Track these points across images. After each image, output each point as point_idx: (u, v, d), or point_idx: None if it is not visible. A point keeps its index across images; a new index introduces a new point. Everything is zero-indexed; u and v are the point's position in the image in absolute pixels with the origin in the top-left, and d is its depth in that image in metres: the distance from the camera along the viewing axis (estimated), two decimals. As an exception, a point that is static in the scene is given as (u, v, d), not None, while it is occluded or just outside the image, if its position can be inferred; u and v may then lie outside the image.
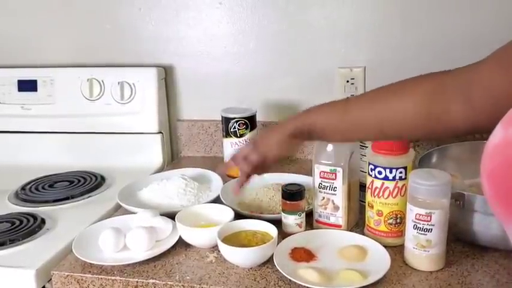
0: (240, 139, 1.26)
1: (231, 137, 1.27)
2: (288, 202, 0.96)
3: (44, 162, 1.44)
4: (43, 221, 1.10)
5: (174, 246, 0.96)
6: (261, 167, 0.94)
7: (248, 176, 0.96)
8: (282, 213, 0.97)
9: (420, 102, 0.73)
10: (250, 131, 1.26)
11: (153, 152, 1.44)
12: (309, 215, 1.02)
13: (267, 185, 1.14)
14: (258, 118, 1.31)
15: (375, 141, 0.92)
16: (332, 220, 0.99)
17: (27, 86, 1.48)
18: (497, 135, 0.45)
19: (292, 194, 0.96)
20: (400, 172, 0.90)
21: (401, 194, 0.91)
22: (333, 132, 0.84)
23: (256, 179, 1.19)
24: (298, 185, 0.98)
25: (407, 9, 1.29)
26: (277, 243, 0.91)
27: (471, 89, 0.69)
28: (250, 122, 1.26)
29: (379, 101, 0.79)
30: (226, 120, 1.26)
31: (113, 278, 0.89)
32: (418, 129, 0.76)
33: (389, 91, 0.78)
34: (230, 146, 1.27)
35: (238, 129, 1.25)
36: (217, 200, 1.10)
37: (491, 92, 0.66)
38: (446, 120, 0.72)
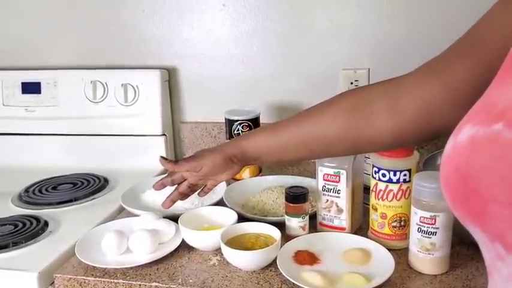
0: None
1: None
2: (291, 205, 0.96)
3: (48, 165, 1.44)
4: (46, 224, 1.10)
5: (177, 249, 0.96)
6: (197, 186, 1.00)
7: (181, 194, 1.00)
8: (286, 216, 0.97)
9: (339, 119, 0.78)
10: None
11: (157, 154, 1.41)
12: (313, 217, 1.01)
13: (270, 188, 1.14)
14: (262, 120, 1.31)
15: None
16: (336, 223, 0.98)
17: (31, 88, 1.48)
18: (449, 144, 0.48)
19: (296, 197, 0.96)
20: (404, 175, 0.90)
21: (406, 197, 0.90)
22: (266, 155, 0.89)
23: (259, 181, 1.19)
24: (302, 187, 0.98)
25: (412, 10, 1.28)
26: (281, 246, 0.90)
27: (399, 100, 0.72)
28: (253, 124, 1.26)
29: (303, 121, 0.83)
30: (229, 123, 1.26)
31: (116, 281, 0.89)
32: (342, 144, 0.80)
33: (314, 111, 0.82)
34: None
35: (242, 131, 1.24)
36: (220, 203, 1.10)
37: (421, 99, 0.70)
38: (372, 135, 0.76)
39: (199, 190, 1.02)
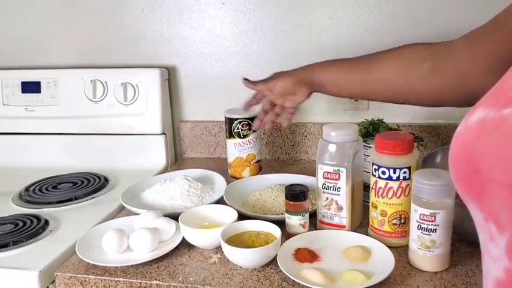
0: (244, 140, 1.25)
1: (234, 137, 1.26)
2: (291, 203, 0.96)
3: (48, 164, 1.44)
4: (47, 223, 1.10)
5: (177, 247, 0.96)
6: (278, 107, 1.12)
7: (265, 111, 1.14)
8: (286, 213, 0.97)
9: (397, 69, 0.90)
10: (253, 131, 1.25)
11: (157, 153, 1.44)
12: (313, 215, 1.01)
13: (270, 186, 1.14)
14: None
15: (379, 134, 0.96)
16: (336, 220, 0.98)
17: (31, 87, 1.48)
18: (461, 124, 0.51)
19: (296, 195, 0.96)
20: (404, 172, 0.90)
21: (405, 194, 0.90)
22: (329, 85, 1.00)
23: (259, 179, 1.19)
24: (302, 185, 0.98)
25: (412, 8, 1.29)
26: (281, 244, 0.91)
27: (441, 62, 0.83)
28: (253, 122, 1.25)
29: (367, 67, 0.95)
30: (229, 121, 1.26)
31: (116, 279, 0.89)
32: (394, 91, 0.92)
33: (377, 58, 0.94)
34: (233, 147, 1.26)
35: (242, 129, 1.24)
36: (220, 201, 1.10)
37: (457, 67, 0.80)
38: (418, 88, 0.87)
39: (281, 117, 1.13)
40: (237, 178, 1.26)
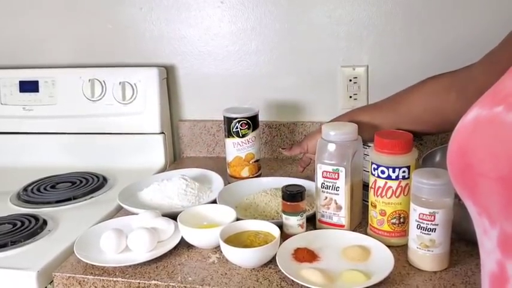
0: (243, 139, 1.24)
1: (233, 137, 1.25)
2: (288, 203, 0.95)
3: (46, 163, 1.44)
4: (45, 222, 1.09)
5: (176, 247, 0.96)
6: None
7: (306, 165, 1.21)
8: (283, 214, 0.96)
9: (425, 101, 0.94)
10: (252, 130, 1.25)
11: (155, 152, 1.44)
12: (312, 215, 1.01)
13: (265, 189, 1.13)
14: (260, 118, 1.30)
15: (378, 133, 0.95)
16: (335, 220, 0.98)
17: (29, 86, 1.48)
18: (459, 123, 0.53)
19: (293, 195, 0.95)
20: (403, 171, 0.89)
21: (405, 194, 0.90)
22: (362, 133, 1.00)
23: (254, 183, 1.21)
24: (298, 185, 0.97)
25: (411, 7, 1.28)
26: (280, 244, 0.90)
27: (467, 86, 0.84)
28: (252, 121, 1.25)
29: (396, 105, 1.01)
30: (228, 120, 1.25)
31: (115, 279, 0.89)
32: (428, 123, 0.96)
33: (405, 94, 1.00)
34: (232, 146, 1.25)
35: (241, 129, 1.24)
36: (217, 201, 1.09)
37: (480, 90, 0.78)
38: (452, 117, 0.83)
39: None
40: (236, 178, 1.25)
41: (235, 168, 1.26)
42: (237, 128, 1.23)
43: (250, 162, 1.26)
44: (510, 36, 0.76)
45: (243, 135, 1.24)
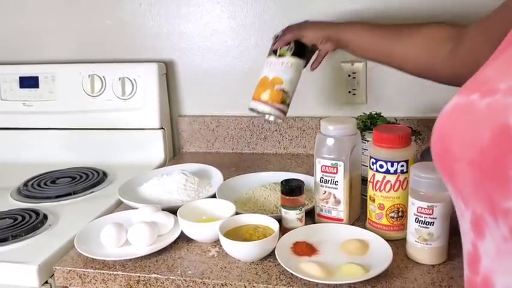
0: (278, 59, 1.07)
1: (270, 55, 1.09)
2: (287, 197, 0.96)
3: (46, 159, 1.44)
4: (45, 217, 1.10)
5: (175, 241, 0.96)
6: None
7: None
8: (282, 208, 0.97)
9: (421, 46, 0.92)
10: (292, 55, 1.07)
11: (155, 148, 1.44)
12: (311, 209, 1.02)
13: (264, 184, 1.14)
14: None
15: (377, 127, 0.97)
16: (333, 214, 0.99)
17: (29, 82, 1.48)
18: (441, 111, 0.55)
19: (292, 189, 0.96)
20: (402, 165, 0.90)
21: (403, 188, 0.91)
22: (355, 47, 1.03)
23: (253, 177, 1.19)
24: (297, 180, 0.98)
25: (408, 2, 1.28)
26: (279, 238, 0.91)
27: (461, 44, 0.85)
28: (296, 46, 1.08)
29: (395, 38, 0.98)
30: (275, 38, 1.11)
31: (115, 273, 0.89)
32: (415, 66, 0.95)
33: (407, 32, 0.97)
34: (266, 65, 1.09)
35: (280, 48, 1.08)
36: (216, 196, 1.10)
37: (472, 53, 0.81)
38: (436, 67, 0.90)
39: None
40: (254, 99, 1.07)
41: (258, 89, 1.09)
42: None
43: (275, 87, 1.05)
44: (504, 5, 0.76)
45: (280, 55, 1.08)
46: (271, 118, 1.07)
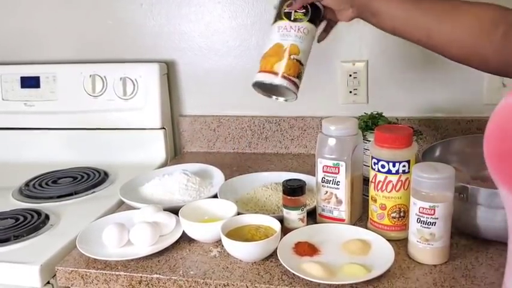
0: (293, 23, 0.90)
1: (282, 19, 0.92)
2: (289, 198, 0.96)
3: (47, 159, 1.44)
4: (47, 217, 1.10)
5: (177, 241, 0.96)
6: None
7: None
8: (284, 208, 0.97)
9: (468, 29, 0.79)
10: (309, 20, 0.91)
11: (156, 147, 1.44)
12: (312, 209, 1.02)
13: (265, 184, 1.14)
14: (260, 113, 1.30)
15: (378, 127, 0.94)
16: (335, 214, 0.99)
17: (30, 82, 1.48)
18: (500, 103, 0.49)
19: (294, 189, 0.95)
20: (404, 166, 0.90)
21: (405, 188, 0.91)
22: (385, 19, 0.87)
23: (255, 177, 1.18)
24: (299, 180, 0.98)
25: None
26: (281, 238, 0.91)
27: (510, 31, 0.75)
28: (312, 9, 0.92)
29: (437, 14, 0.83)
30: (280, 2, 0.95)
31: (117, 273, 0.89)
32: (457, 51, 0.81)
33: (452, 10, 0.82)
34: (277, 31, 0.92)
35: (296, 10, 0.91)
36: (218, 196, 1.10)
37: None
38: (487, 50, 0.78)
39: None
40: (266, 71, 0.91)
41: (269, 58, 0.92)
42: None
43: (292, 57, 0.90)
44: None
45: (295, 20, 0.91)
46: (281, 99, 0.93)
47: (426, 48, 0.86)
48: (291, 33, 0.90)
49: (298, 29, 0.90)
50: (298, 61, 0.90)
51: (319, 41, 0.97)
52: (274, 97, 0.93)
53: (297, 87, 0.90)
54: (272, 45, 0.91)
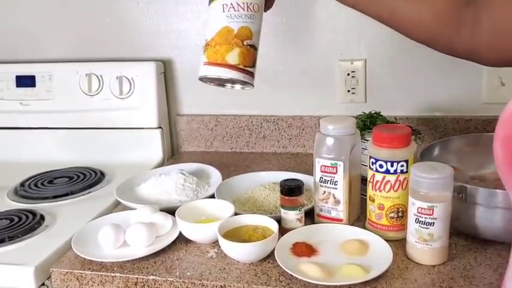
0: (242, 1, 0.78)
1: None
2: (287, 198, 0.95)
3: (43, 158, 1.43)
4: (42, 218, 1.09)
5: (174, 242, 0.95)
6: None
7: None
8: (282, 209, 0.96)
9: (434, 13, 0.75)
10: None
11: (153, 147, 1.43)
12: (310, 209, 1.01)
13: (263, 184, 1.13)
14: (258, 112, 1.29)
15: (377, 127, 0.93)
16: (333, 214, 0.98)
17: (26, 81, 1.47)
18: (507, 107, 0.47)
19: (292, 189, 0.95)
20: (402, 165, 0.89)
21: (403, 188, 0.90)
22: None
23: (252, 177, 1.17)
24: (297, 180, 0.97)
25: None
26: (278, 238, 0.90)
27: (481, 18, 0.71)
28: None
29: None
30: None
31: (113, 274, 0.88)
32: (421, 33, 0.78)
33: None
34: (221, 11, 0.79)
35: None
36: (215, 196, 1.09)
37: (498, 27, 0.70)
38: (452, 37, 0.75)
39: None
40: (217, 64, 0.79)
41: (217, 48, 0.79)
42: None
43: (244, 42, 0.79)
44: None
45: None
46: (238, 87, 0.83)
47: (388, 26, 0.81)
48: (240, 13, 0.78)
49: (248, 7, 0.78)
50: (252, 46, 0.79)
51: (265, 10, 0.84)
52: (228, 85, 0.84)
53: (253, 75, 0.81)
54: (219, 30, 0.78)
